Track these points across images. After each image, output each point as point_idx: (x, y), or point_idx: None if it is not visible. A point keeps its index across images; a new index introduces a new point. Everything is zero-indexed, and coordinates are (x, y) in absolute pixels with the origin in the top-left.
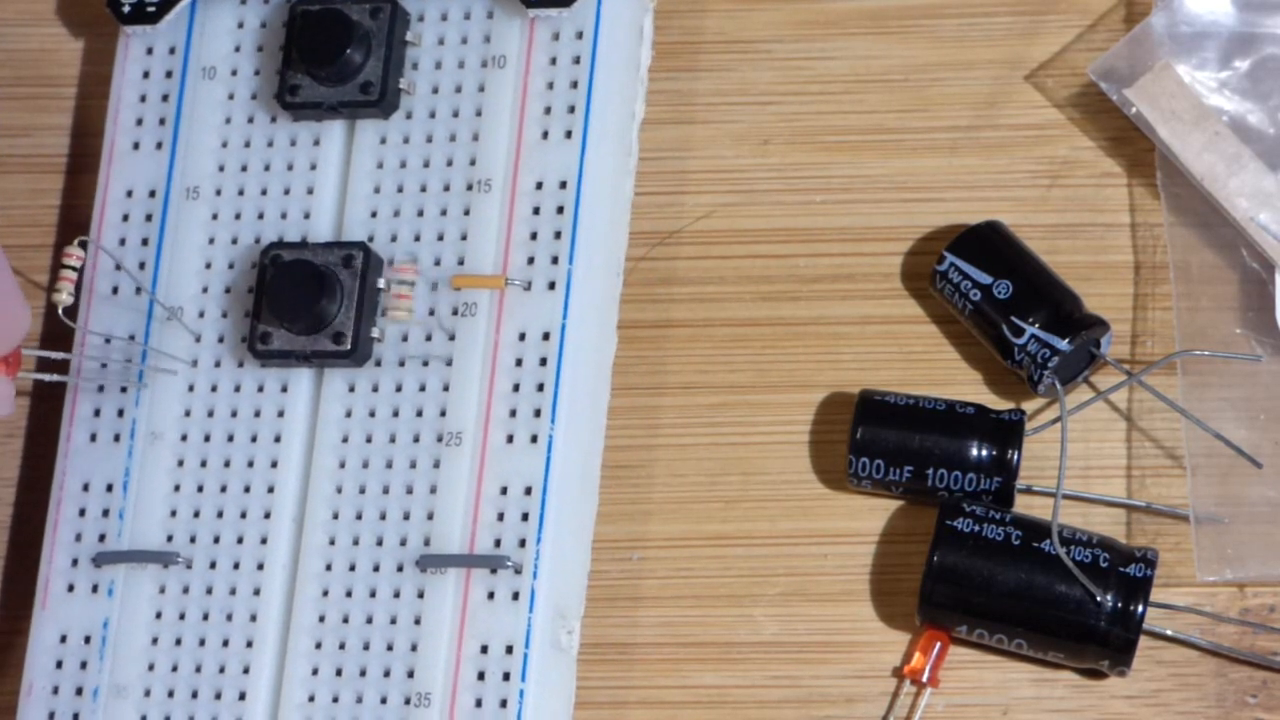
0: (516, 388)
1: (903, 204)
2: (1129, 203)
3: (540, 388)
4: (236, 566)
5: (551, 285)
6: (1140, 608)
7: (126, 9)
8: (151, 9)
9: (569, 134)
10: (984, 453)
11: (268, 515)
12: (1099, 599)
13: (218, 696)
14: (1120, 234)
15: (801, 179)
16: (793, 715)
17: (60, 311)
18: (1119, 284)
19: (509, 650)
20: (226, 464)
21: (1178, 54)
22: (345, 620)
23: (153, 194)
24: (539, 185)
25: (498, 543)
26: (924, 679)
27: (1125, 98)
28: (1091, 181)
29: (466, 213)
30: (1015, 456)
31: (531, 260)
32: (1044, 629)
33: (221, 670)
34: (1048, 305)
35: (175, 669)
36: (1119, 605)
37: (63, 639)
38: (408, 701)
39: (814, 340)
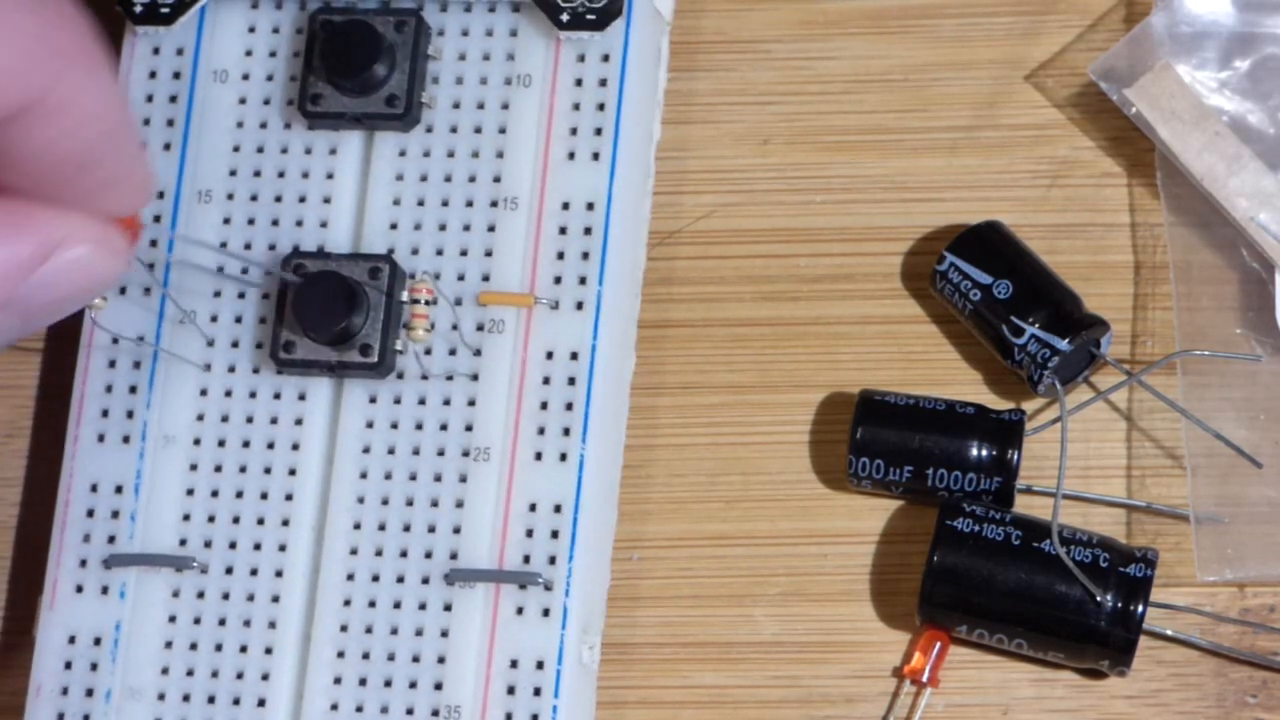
0: (545, 405)
1: (903, 204)
2: (1129, 203)
3: (569, 406)
4: (254, 573)
5: (579, 305)
6: (1140, 608)
7: (138, 9)
8: (165, 10)
9: (596, 156)
10: (984, 453)
11: (286, 523)
12: (1099, 599)
13: (236, 702)
14: (1120, 234)
15: (801, 179)
16: (793, 715)
17: (90, 315)
18: (1119, 284)
19: (539, 666)
20: (242, 469)
21: (1178, 54)
22: (369, 630)
23: (161, 195)
24: (565, 205)
25: (526, 559)
26: (924, 679)
27: (1125, 98)
28: (1091, 181)
29: (491, 229)
30: (1015, 456)
31: (559, 280)
32: (1044, 629)
33: (239, 676)
34: (1048, 305)
35: (191, 673)
36: (1119, 605)
37: (71, 640)
38: (436, 714)
39: (814, 340)
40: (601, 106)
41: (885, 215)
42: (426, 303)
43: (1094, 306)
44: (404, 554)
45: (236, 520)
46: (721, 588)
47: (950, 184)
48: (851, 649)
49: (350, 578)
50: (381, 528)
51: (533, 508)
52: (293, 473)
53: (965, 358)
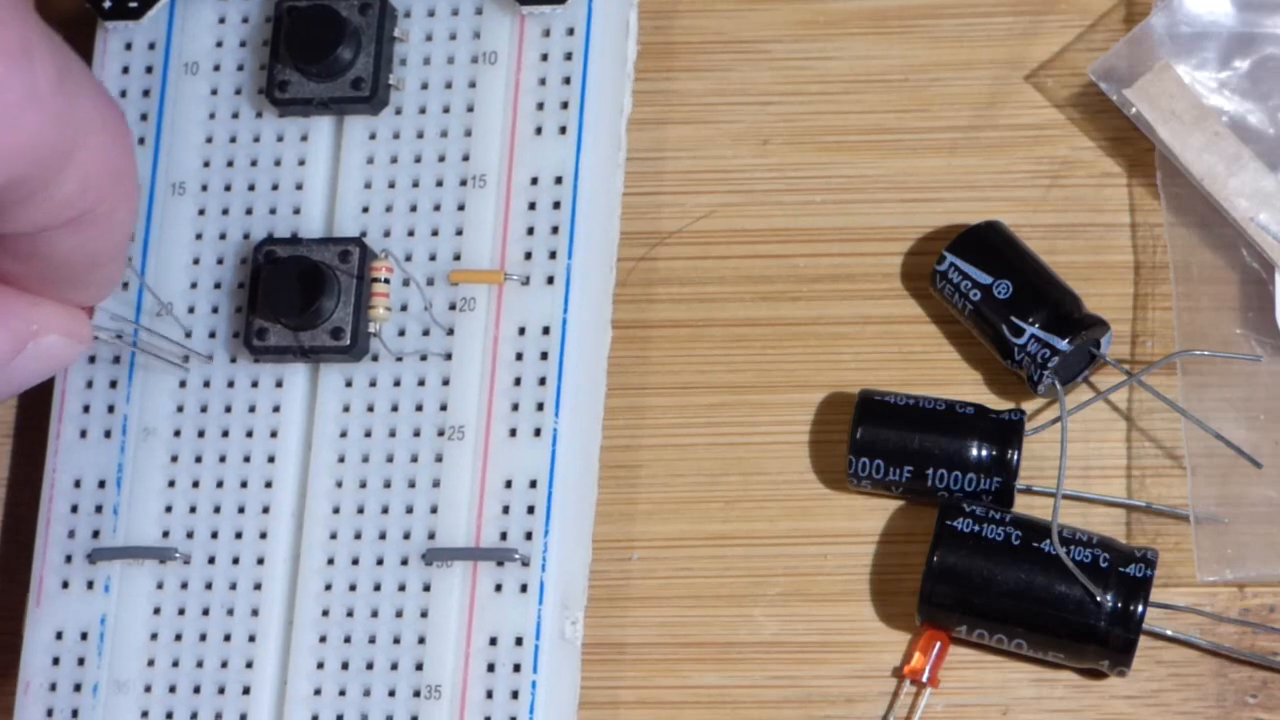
0: (518, 381)
1: (903, 204)
2: (1129, 203)
3: (542, 381)
4: (236, 561)
5: (550, 280)
6: (1140, 608)
7: (107, 4)
8: (134, 4)
9: (563, 130)
10: (984, 453)
11: (266, 510)
12: (1099, 599)
13: (221, 691)
14: (1120, 234)
15: (801, 179)
16: (793, 715)
17: None
18: (1119, 284)
19: (519, 642)
20: (222, 459)
21: (1178, 54)
22: (350, 614)
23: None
24: (534, 181)
25: (504, 535)
26: (924, 679)
27: (1125, 98)
28: (1091, 181)
29: (461, 208)
30: (1015, 456)
31: (529, 255)
32: (1044, 629)
33: (224, 665)
34: (1048, 305)
35: (176, 664)
36: (1119, 605)
37: (58, 635)
38: (417, 694)
39: (814, 340)
40: (567, 80)
41: (885, 215)
42: (385, 280)
43: (1094, 306)
44: (382, 536)
45: (217, 510)
46: (721, 588)
47: (950, 184)
48: (851, 649)
49: (330, 562)
50: (360, 511)
51: (508, 484)
52: (271, 460)
53: (965, 358)
